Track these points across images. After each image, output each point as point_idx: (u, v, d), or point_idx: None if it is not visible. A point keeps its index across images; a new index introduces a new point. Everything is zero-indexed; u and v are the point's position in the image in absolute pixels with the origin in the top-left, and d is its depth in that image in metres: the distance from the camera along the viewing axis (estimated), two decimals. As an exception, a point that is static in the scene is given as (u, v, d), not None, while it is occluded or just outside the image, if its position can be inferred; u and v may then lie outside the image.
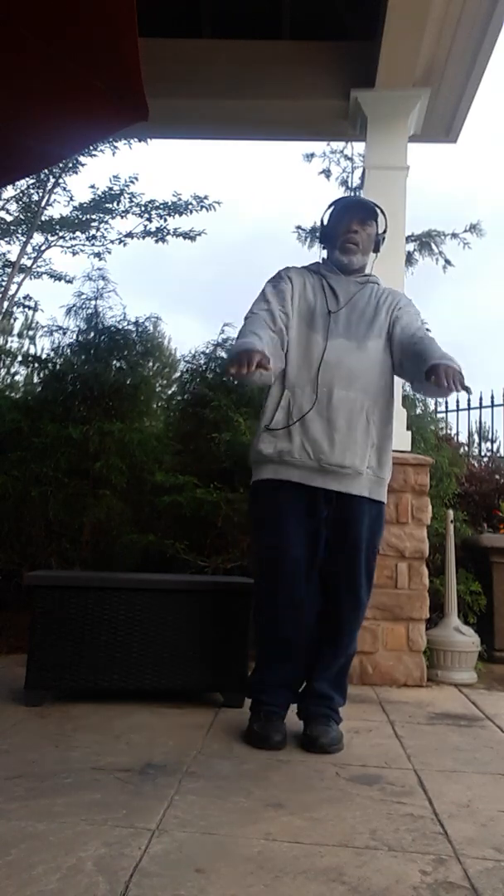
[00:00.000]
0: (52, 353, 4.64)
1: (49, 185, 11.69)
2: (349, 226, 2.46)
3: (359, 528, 2.33)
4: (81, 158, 11.08)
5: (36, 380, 4.99)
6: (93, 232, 12.28)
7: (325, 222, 2.54)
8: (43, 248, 12.52)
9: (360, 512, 2.33)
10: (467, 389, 2.08)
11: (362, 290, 2.46)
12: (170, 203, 11.79)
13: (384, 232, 2.58)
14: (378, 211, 2.52)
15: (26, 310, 12.02)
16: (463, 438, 6.49)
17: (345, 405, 2.29)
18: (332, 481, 2.29)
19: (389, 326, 2.43)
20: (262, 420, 2.39)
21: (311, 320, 2.39)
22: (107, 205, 11.88)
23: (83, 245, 12.43)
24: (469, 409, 6.71)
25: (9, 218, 12.03)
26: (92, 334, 4.50)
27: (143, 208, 11.89)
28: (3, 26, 1.98)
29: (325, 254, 2.57)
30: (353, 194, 6.65)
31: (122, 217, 12.11)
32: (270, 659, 2.39)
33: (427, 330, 2.46)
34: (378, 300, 2.46)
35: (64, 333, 4.56)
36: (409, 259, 6.01)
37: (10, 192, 11.60)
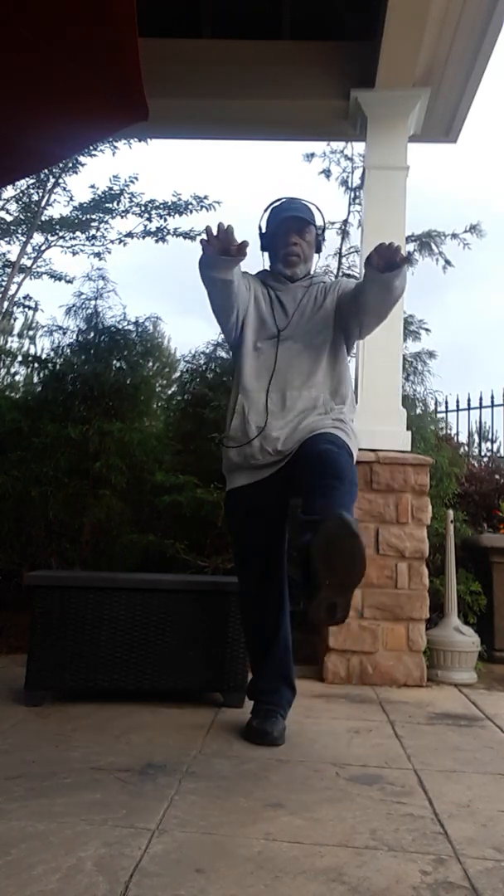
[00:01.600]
0: (52, 353, 4.65)
1: (49, 185, 11.69)
2: (287, 239, 2.48)
3: (322, 439, 2.25)
4: (81, 158, 11.07)
5: (36, 380, 4.99)
6: (93, 232, 12.28)
7: (263, 228, 2.55)
8: (43, 248, 12.52)
9: (318, 437, 2.27)
10: (408, 258, 2.12)
11: (308, 292, 2.50)
12: (170, 203, 11.79)
13: (323, 230, 2.58)
14: (313, 213, 2.52)
15: (26, 310, 12.02)
16: (463, 438, 6.50)
17: (298, 403, 2.36)
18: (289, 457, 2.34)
19: (336, 306, 2.45)
20: (227, 433, 2.45)
21: (263, 330, 2.45)
22: (107, 205, 11.88)
23: (83, 245, 12.42)
24: (469, 409, 6.72)
25: (9, 218, 12.03)
26: (92, 334, 4.50)
27: (143, 208, 11.89)
28: (3, 26, 1.98)
29: (268, 261, 2.58)
30: (351, 195, 6.64)
31: (122, 217, 12.11)
32: (257, 658, 2.46)
33: None
34: (325, 295, 2.49)
35: (64, 333, 4.56)
36: (409, 259, 6.00)
37: (10, 192, 11.59)
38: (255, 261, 2.58)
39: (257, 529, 2.42)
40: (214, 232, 2.11)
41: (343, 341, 2.47)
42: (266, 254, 2.58)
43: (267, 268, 2.59)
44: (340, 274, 5.40)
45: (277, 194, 2.61)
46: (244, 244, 2.13)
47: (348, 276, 4.73)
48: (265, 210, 2.55)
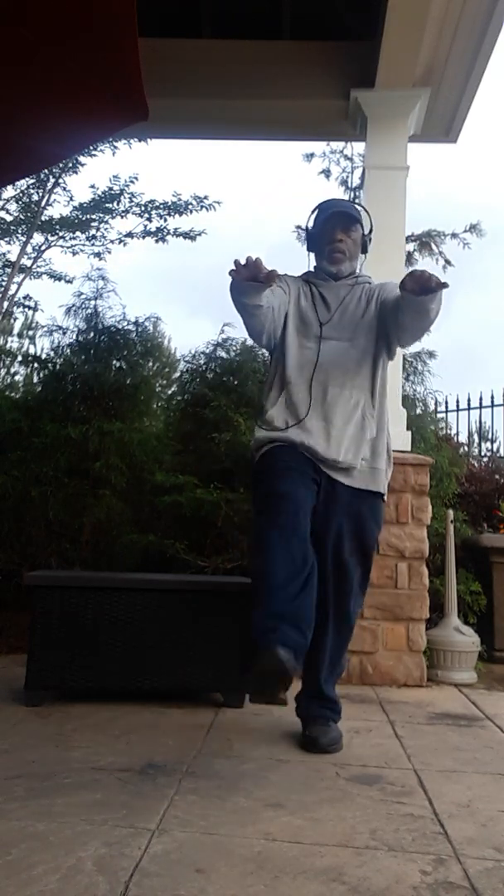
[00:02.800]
0: (51, 353, 4.65)
1: (49, 185, 11.69)
2: (334, 235, 2.47)
3: (347, 520, 2.31)
4: (81, 158, 11.07)
5: (36, 380, 4.99)
6: (93, 232, 12.28)
7: (310, 228, 2.55)
8: (43, 248, 12.52)
9: (354, 500, 2.32)
10: (445, 283, 2.09)
11: (352, 291, 2.48)
12: (170, 203, 11.79)
13: (370, 232, 2.58)
14: (361, 213, 2.52)
15: (26, 310, 12.03)
16: (463, 438, 6.50)
17: (340, 402, 2.34)
18: (328, 469, 2.32)
19: (378, 312, 2.43)
20: (261, 418, 2.42)
21: (305, 328, 2.43)
22: (107, 205, 11.88)
23: (83, 245, 12.42)
24: (469, 409, 6.72)
25: (9, 218, 12.03)
26: (92, 334, 4.50)
27: (143, 208, 11.89)
28: (3, 27, 1.98)
29: (314, 259, 2.57)
30: (351, 195, 6.65)
31: (122, 217, 12.11)
32: (276, 589, 2.05)
33: None
34: (368, 298, 2.48)
35: (64, 333, 4.56)
36: (409, 259, 6.01)
37: (10, 192, 11.59)
38: (300, 264, 2.61)
39: (299, 474, 2.26)
40: (243, 262, 2.11)
41: (385, 347, 2.46)
42: (312, 255, 2.57)
43: (312, 268, 2.58)
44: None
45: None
46: (273, 272, 2.12)
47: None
48: (312, 211, 2.54)
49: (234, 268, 2.11)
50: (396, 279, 3.57)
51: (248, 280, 2.14)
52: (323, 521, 2.30)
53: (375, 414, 2.39)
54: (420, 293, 2.13)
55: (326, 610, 2.32)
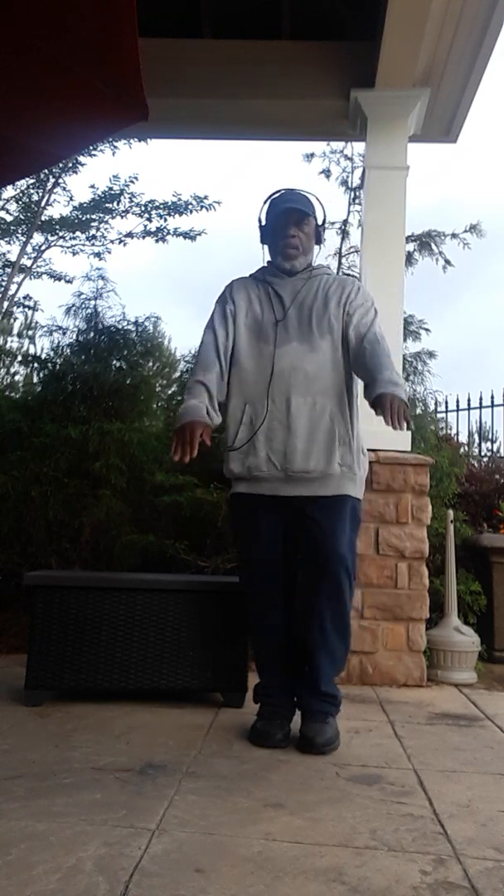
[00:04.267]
0: (51, 353, 4.64)
1: (49, 185, 11.70)
2: (286, 230, 2.43)
3: (337, 515, 2.32)
4: (81, 158, 11.09)
5: (36, 380, 4.99)
6: (93, 232, 12.29)
7: (263, 221, 2.52)
8: (43, 248, 12.53)
9: (334, 510, 2.32)
10: (408, 424, 2.13)
11: (308, 284, 2.44)
12: (170, 203, 11.80)
13: (324, 222, 2.54)
14: (314, 204, 2.49)
15: (26, 310, 12.03)
16: (463, 438, 6.50)
17: (304, 411, 2.30)
18: (301, 488, 2.31)
19: (343, 321, 2.40)
20: (227, 438, 2.41)
21: (260, 331, 2.40)
22: (107, 205, 11.90)
23: (83, 245, 12.44)
24: (469, 409, 6.72)
25: (9, 218, 12.04)
26: (92, 334, 4.50)
27: (143, 208, 11.90)
28: (4, 27, 1.98)
29: (268, 254, 2.54)
30: (351, 195, 6.64)
31: (122, 217, 12.12)
32: (265, 661, 2.44)
33: (376, 328, 2.41)
34: (327, 292, 2.42)
35: (64, 333, 4.56)
36: (409, 259, 6.00)
37: (10, 192, 11.61)
38: (255, 255, 2.57)
39: (264, 537, 2.37)
40: (186, 458, 2.21)
41: (345, 351, 2.41)
42: (266, 247, 2.54)
43: (266, 262, 2.55)
44: (340, 273, 5.40)
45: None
46: (207, 429, 2.26)
47: (348, 275, 4.71)
48: (264, 202, 2.52)
49: (175, 459, 2.21)
50: (397, 279, 3.56)
51: (193, 453, 2.22)
52: (310, 535, 2.32)
53: (343, 416, 2.34)
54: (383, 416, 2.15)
55: (318, 606, 2.31)
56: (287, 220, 2.44)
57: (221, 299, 2.51)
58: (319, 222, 2.52)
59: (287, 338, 2.37)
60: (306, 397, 2.31)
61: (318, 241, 2.54)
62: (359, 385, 2.43)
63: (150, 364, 5.17)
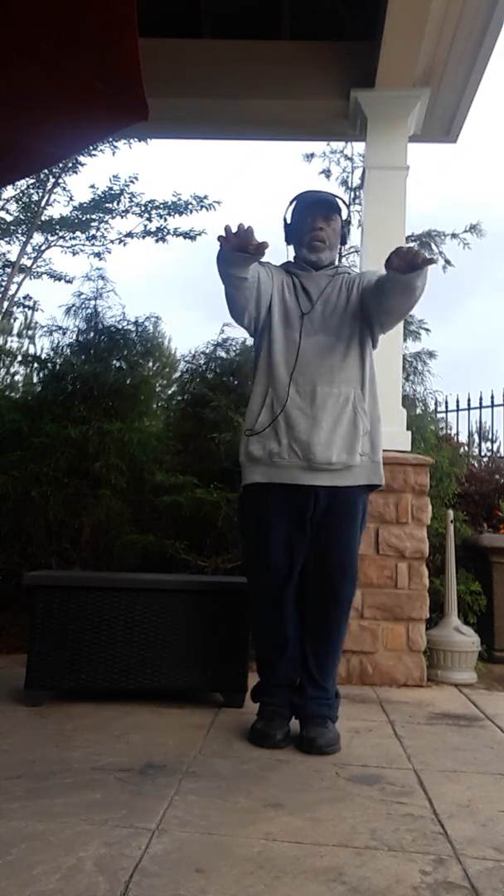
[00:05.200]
0: (51, 353, 4.64)
1: (49, 185, 11.70)
2: (314, 223, 2.45)
3: (352, 519, 2.34)
4: (81, 158, 11.09)
5: (36, 380, 4.99)
6: (93, 232, 12.29)
7: (289, 220, 2.53)
8: (43, 248, 12.53)
9: (354, 501, 2.34)
10: (431, 259, 2.11)
11: (333, 282, 2.46)
12: (170, 203, 11.80)
13: (348, 223, 2.57)
14: (340, 204, 2.52)
15: (26, 310, 12.03)
16: (463, 438, 6.49)
17: (329, 401, 2.32)
18: (322, 477, 2.31)
19: (360, 299, 2.42)
20: (247, 422, 2.41)
21: (288, 320, 2.42)
22: (107, 205, 11.89)
23: (83, 245, 12.43)
24: (469, 409, 6.72)
25: (9, 218, 12.04)
26: (92, 334, 4.50)
27: (143, 208, 11.90)
28: (4, 27, 1.98)
29: (292, 252, 2.55)
30: (351, 195, 6.64)
31: (122, 217, 12.12)
32: (267, 661, 2.43)
33: None
34: (349, 287, 2.46)
35: (64, 333, 4.56)
36: (432, 259, 6.00)
37: (10, 192, 11.61)
38: (279, 256, 2.58)
39: (277, 530, 2.33)
40: (234, 230, 2.08)
41: (369, 336, 2.44)
42: (291, 247, 2.55)
43: (291, 259, 2.56)
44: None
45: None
46: (263, 244, 2.09)
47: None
48: (290, 202, 2.53)
49: (223, 234, 2.08)
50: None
51: (237, 250, 2.11)
52: (324, 527, 2.32)
53: (367, 407, 2.37)
54: (407, 270, 2.12)
55: (321, 613, 2.35)
56: (315, 214, 2.46)
57: (259, 263, 2.41)
58: (344, 222, 2.54)
59: (313, 329, 2.39)
60: (332, 387, 2.33)
61: (344, 240, 2.57)
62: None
63: (150, 364, 5.17)
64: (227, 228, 2.08)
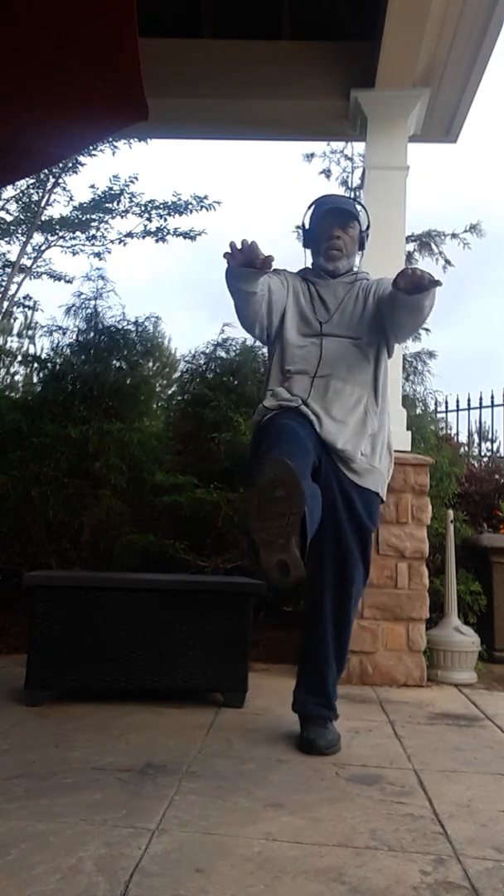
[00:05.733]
0: (51, 353, 4.65)
1: (49, 185, 11.71)
2: (331, 232, 2.44)
3: (347, 508, 2.28)
4: (81, 158, 11.09)
5: (36, 380, 4.99)
6: (93, 232, 12.29)
7: (307, 225, 2.52)
8: (43, 248, 12.53)
9: (348, 494, 2.28)
10: (436, 282, 2.06)
11: (351, 290, 2.46)
12: (170, 203, 11.80)
13: (368, 228, 2.55)
14: (359, 209, 2.50)
15: (26, 310, 12.03)
16: (463, 438, 6.50)
17: (341, 397, 2.32)
18: (338, 437, 2.27)
19: (375, 308, 2.41)
20: (265, 395, 2.38)
21: (304, 326, 2.41)
22: (107, 205, 11.90)
23: (83, 245, 12.44)
24: (469, 409, 6.72)
25: (9, 218, 12.04)
26: (91, 334, 4.50)
27: (143, 208, 11.90)
28: (4, 27, 1.98)
29: (310, 257, 2.55)
30: (351, 195, 6.65)
31: (122, 217, 12.12)
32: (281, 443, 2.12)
33: None
34: (366, 294, 2.45)
35: (64, 333, 4.57)
36: (409, 259, 6.01)
37: (10, 192, 11.61)
38: (297, 261, 2.58)
39: (299, 429, 2.19)
40: (238, 246, 2.08)
41: (384, 344, 2.44)
42: (308, 251, 2.54)
43: (308, 265, 2.55)
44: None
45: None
46: (269, 258, 2.08)
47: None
48: (308, 207, 2.51)
49: (229, 251, 2.07)
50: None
51: (243, 265, 2.10)
52: (322, 490, 2.19)
53: (378, 411, 2.38)
54: (413, 292, 2.10)
55: (324, 598, 2.28)
56: (332, 222, 2.44)
57: (274, 271, 2.42)
58: (363, 228, 2.53)
59: (331, 337, 2.38)
60: (345, 384, 2.33)
61: (362, 246, 2.55)
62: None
63: (150, 364, 5.18)
64: (233, 245, 2.08)
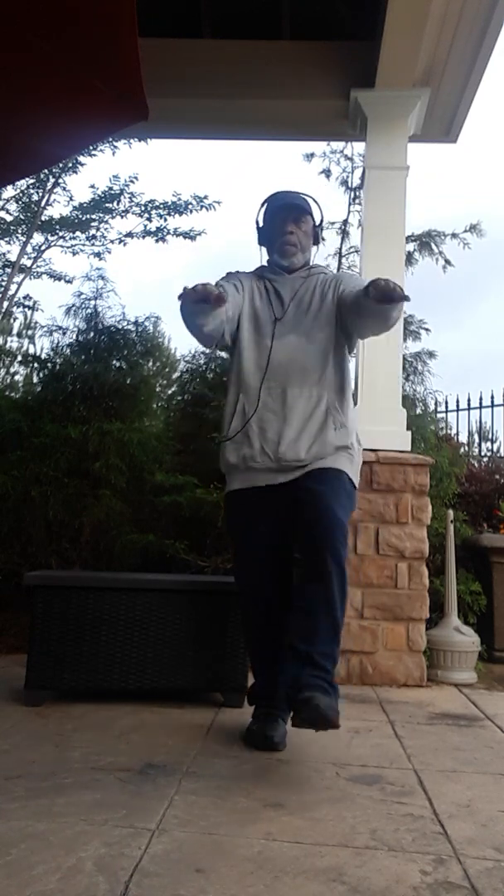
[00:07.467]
0: (51, 353, 4.65)
1: (49, 185, 11.70)
2: (284, 227, 2.45)
3: (326, 489, 2.24)
4: (81, 158, 11.08)
5: (36, 380, 4.99)
6: (93, 232, 12.29)
7: (261, 223, 2.53)
8: (43, 248, 12.53)
9: (328, 477, 2.26)
10: (405, 297, 2.06)
11: (305, 283, 2.46)
12: (170, 203, 11.80)
13: (321, 222, 2.56)
14: (311, 204, 2.50)
15: (26, 310, 12.03)
16: (463, 438, 6.50)
17: (300, 402, 2.31)
18: (292, 474, 2.30)
19: (336, 305, 2.41)
20: (222, 430, 2.42)
21: (259, 327, 2.42)
22: (107, 205, 11.89)
23: (83, 245, 12.43)
24: (469, 409, 6.72)
25: (9, 218, 12.03)
26: (91, 334, 4.50)
27: (143, 208, 11.90)
28: (4, 26, 1.98)
29: (265, 255, 2.55)
30: (351, 195, 6.65)
31: (122, 217, 12.12)
32: (259, 662, 2.41)
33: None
34: (323, 288, 2.44)
35: (64, 333, 4.57)
36: (410, 259, 6.01)
37: (10, 192, 11.61)
38: (253, 260, 2.58)
39: (259, 535, 2.34)
40: (192, 289, 2.10)
41: (345, 340, 2.44)
42: (264, 249, 2.55)
43: (265, 262, 2.56)
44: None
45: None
46: (220, 295, 2.12)
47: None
48: (262, 204, 2.53)
49: (183, 294, 2.10)
50: (397, 278, 3.57)
51: (198, 302, 2.12)
52: (301, 504, 2.22)
53: (341, 408, 2.35)
54: (382, 301, 2.11)
55: (317, 569, 2.13)
56: (285, 218, 2.46)
57: (228, 276, 2.49)
58: (317, 223, 2.53)
59: (284, 331, 2.39)
60: (303, 388, 2.32)
61: (316, 241, 2.56)
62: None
63: (150, 364, 5.18)
64: (185, 288, 2.11)
